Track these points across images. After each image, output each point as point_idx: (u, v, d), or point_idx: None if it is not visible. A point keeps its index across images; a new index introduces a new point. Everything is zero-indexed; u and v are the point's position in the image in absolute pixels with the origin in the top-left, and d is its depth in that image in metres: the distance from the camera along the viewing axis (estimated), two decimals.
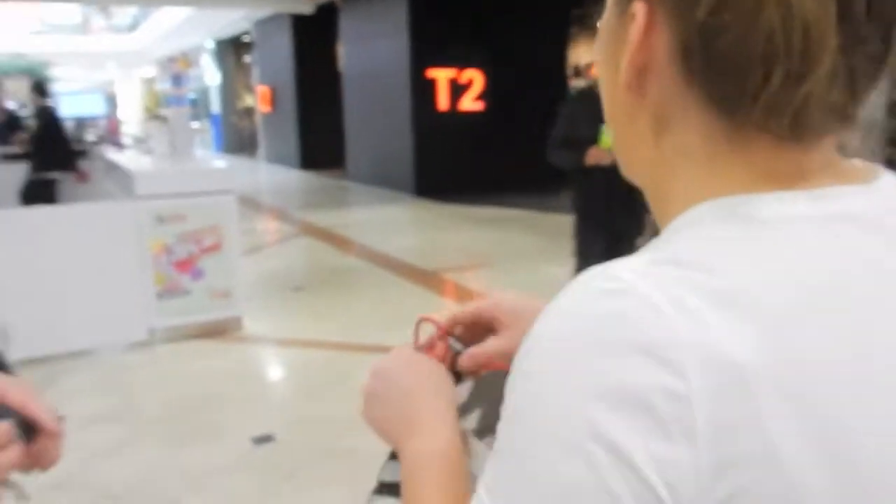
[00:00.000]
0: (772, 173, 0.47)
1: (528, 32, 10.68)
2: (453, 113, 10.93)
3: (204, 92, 23.07)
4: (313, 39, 14.89)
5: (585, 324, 0.42)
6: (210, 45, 20.98)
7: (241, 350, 4.57)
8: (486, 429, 0.65)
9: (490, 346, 0.71)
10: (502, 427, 0.45)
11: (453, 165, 10.69)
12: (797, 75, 0.42)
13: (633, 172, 0.55)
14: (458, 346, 0.71)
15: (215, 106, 21.79)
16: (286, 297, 5.79)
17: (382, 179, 11.98)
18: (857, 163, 0.51)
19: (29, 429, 0.69)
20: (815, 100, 0.43)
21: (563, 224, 7.22)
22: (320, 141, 15.14)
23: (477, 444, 0.63)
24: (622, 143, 0.55)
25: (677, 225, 0.48)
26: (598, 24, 0.54)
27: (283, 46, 15.73)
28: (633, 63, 0.48)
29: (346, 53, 13.06)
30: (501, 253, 7.19)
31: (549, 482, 0.41)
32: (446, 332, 0.72)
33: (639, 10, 0.47)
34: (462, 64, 10.64)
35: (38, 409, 0.70)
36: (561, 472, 0.40)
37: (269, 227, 9.73)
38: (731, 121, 0.46)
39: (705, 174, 0.48)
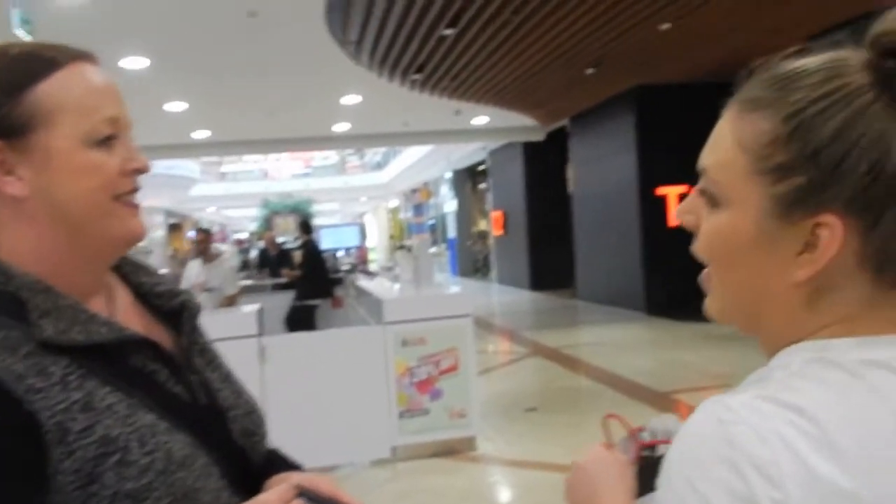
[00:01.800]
0: (882, 310, 0.60)
1: None
2: (684, 229, 10.69)
3: (442, 218, 24.71)
4: (543, 164, 15.50)
5: (713, 444, 0.55)
6: (448, 175, 22.62)
7: (475, 469, 4.70)
8: None
9: None
10: None
11: (686, 282, 10.35)
12: None
13: (751, 329, 0.69)
14: (648, 436, 0.85)
15: (452, 231, 23.21)
16: (518, 417, 5.88)
17: (613, 298, 11.90)
18: None
19: None
20: None
21: None
22: (551, 262, 15.45)
23: None
24: (753, 314, 0.66)
25: (779, 362, 0.63)
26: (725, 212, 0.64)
27: (515, 172, 16.55)
28: (820, 265, 0.59)
29: (576, 175, 13.43)
30: (741, 371, 6.59)
31: None
32: (635, 432, 0.85)
33: (835, 226, 0.58)
34: (692, 179, 10.45)
35: (347, 496, 0.86)
36: None
37: (501, 347, 9.99)
38: (888, 289, 0.60)
39: (839, 320, 0.61)
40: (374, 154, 28.58)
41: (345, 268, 9.70)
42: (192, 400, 0.85)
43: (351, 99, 10.78)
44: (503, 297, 16.05)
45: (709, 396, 0.61)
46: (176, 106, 10.28)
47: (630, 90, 10.63)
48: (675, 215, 0.72)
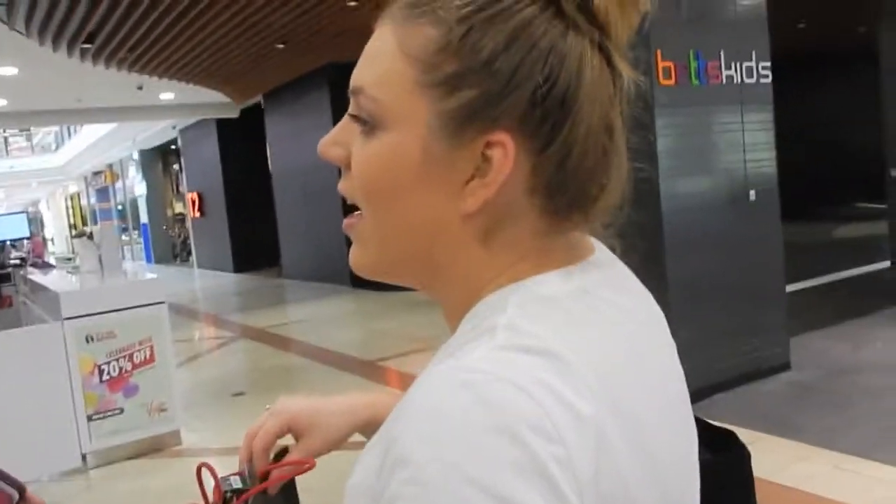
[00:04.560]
0: (569, 253, 0.58)
1: None
2: None
3: (132, 203, 22.87)
4: (240, 142, 15.04)
5: (471, 414, 0.45)
6: (136, 155, 20.96)
7: (179, 465, 4.43)
8: None
9: (294, 457, 0.79)
10: None
11: None
12: (609, 186, 0.56)
13: (418, 280, 0.61)
14: (239, 484, 0.74)
15: (144, 216, 21.61)
16: (226, 403, 5.67)
17: (319, 274, 11.98)
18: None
19: None
20: (609, 199, 0.57)
21: None
22: (253, 242, 15.10)
23: None
24: (419, 257, 0.58)
25: (488, 311, 0.54)
26: (369, 135, 0.56)
27: (210, 151, 15.82)
28: (493, 190, 0.53)
29: (274, 152, 13.22)
30: (443, 335, 7.20)
31: None
32: (219, 483, 0.75)
33: (507, 144, 0.52)
34: None
35: None
36: None
37: (206, 333, 9.56)
38: (559, 218, 0.56)
39: (520, 258, 0.56)
40: (46, 134, 25.47)
41: (14, 262, 8.53)
42: None
43: (6, 70, 9.42)
44: (205, 281, 15.35)
45: (414, 360, 0.54)
46: None
47: (323, 67, 10.68)
48: (318, 149, 0.60)
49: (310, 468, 0.77)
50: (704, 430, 0.71)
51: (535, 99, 0.52)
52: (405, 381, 5.76)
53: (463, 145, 0.53)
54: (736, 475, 0.73)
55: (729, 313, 4.67)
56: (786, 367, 4.91)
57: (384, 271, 0.61)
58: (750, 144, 4.69)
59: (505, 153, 0.52)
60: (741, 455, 0.73)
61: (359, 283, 10.84)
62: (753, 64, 4.66)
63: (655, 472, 0.52)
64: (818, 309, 6.64)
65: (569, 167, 0.54)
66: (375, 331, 8.10)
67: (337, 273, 11.33)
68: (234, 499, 0.72)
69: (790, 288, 5.34)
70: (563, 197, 0.55)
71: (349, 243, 0.63)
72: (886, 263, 6.95)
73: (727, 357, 4.61)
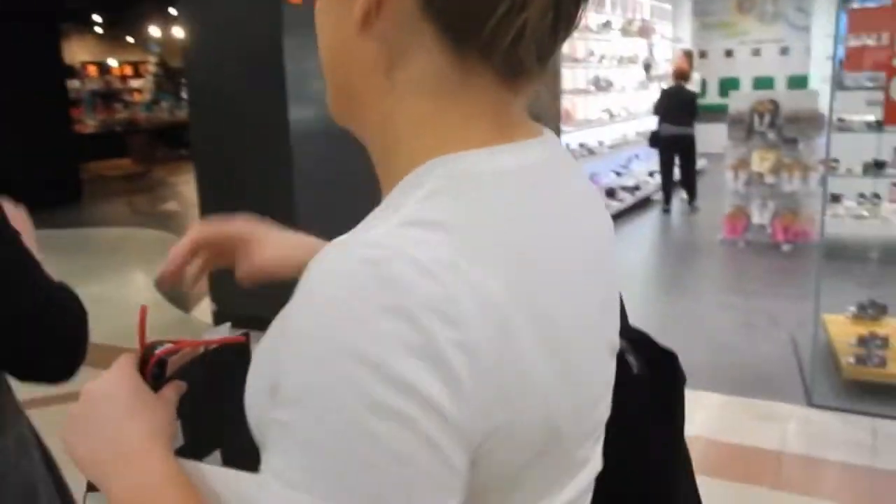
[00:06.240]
0: (489, 114, 0.53)
1: (10, 29, 9.32)
2: None
3: None
4: None
5: (368, 292, 0.43)
6: None
7: None
8: (194, 444, 0.66)
9: (243, 269, 0.84)
10: (288, 414, 0.44)
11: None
12: (519, 5, 0.48)
13: (358, 123, 0.58)
14: (161, 347, 0.67)
15: None
16: None
17: None
18: (531, 120, 0.60)
19: None
20: (529, 31, 0.48)
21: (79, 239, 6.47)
22: None
23: (189, 466, 0.60)
24: (348, 92, 0.57)
25: (409, 184, 0.51)
26: None
27: None
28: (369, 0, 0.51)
29: None
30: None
31: (368, 447, 0.42)
32: (150, 347, 0.67)
33: None
34: None
35: None
36: (379, 434, 0.42)
37: None
38: (460, 53, 0.50)
39: (433, 112, 0.53)
40: None
41: None
42: None
43: None
44: None
45: None
46: None
47: None
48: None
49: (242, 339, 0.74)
50: (648, 346, 0.74)
51: None
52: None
53: None
54: (670, 395, 0.75)
55: None
56: None
57: (340, 114, 0.60)
58: None
59: None
60: (678, 377, 0.76)
61: None
62: None
63: (565, 374, 0.50)
64: None
65: None
66: None
67: None
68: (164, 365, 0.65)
69: None
70: (452, 16, 0.49)
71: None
72: None
73: None
